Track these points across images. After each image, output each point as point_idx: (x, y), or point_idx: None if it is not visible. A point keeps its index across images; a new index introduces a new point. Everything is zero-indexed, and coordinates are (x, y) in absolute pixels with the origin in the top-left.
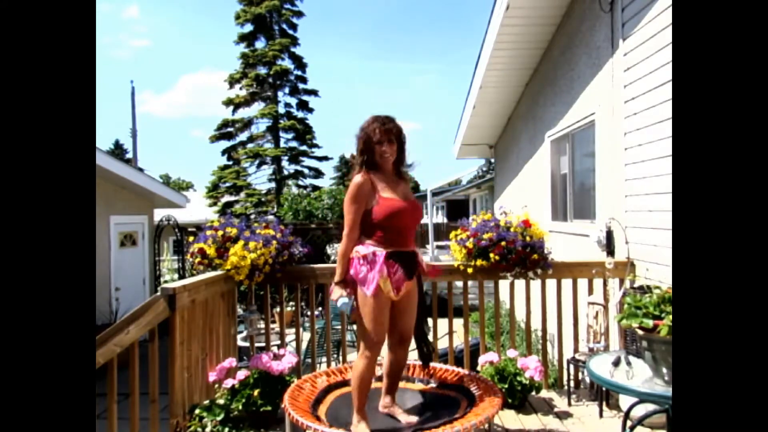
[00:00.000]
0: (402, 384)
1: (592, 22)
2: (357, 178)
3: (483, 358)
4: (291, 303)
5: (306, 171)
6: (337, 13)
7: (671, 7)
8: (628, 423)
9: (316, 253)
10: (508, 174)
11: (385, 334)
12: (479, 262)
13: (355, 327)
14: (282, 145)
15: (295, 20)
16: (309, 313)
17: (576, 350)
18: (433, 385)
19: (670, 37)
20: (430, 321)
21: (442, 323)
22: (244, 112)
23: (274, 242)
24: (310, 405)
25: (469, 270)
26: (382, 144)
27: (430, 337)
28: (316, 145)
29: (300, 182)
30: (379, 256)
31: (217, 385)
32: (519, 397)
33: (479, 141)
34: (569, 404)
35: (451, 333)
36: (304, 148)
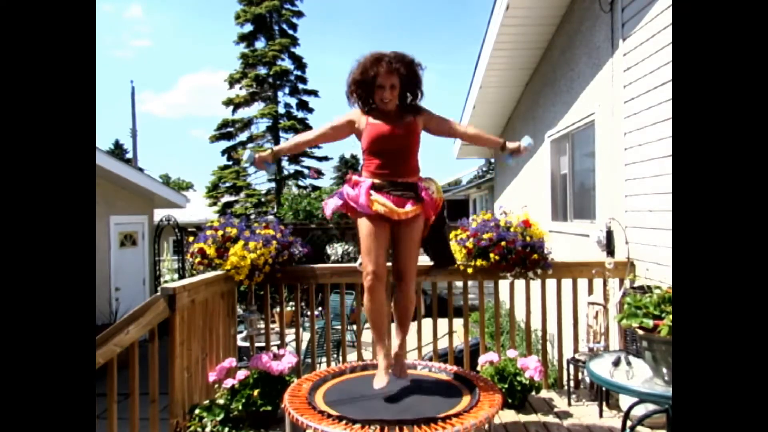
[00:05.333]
0: (423, 373)
1: (592, 22)
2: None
3: (483, 358)
4: (291, 303)
5: (306, 171)
6: (337, 13)
7: (671, 7)
8: (628, 423)
9: (316, 253)
10: (508, 174)
11: (377, 263)
12: (479, 262)
13: (354, 327)
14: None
15: (295, 20)
16: (309, 313)
17: (576, 350)
18: (435, 372)
19: (669, 37)
20: (429, 320)
21: (442, 323)
22: (244, 112)
23: (274, 242)
24: (307, 392)
25: (469, 270)
26: (383, 89)
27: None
28: (316, 146)
29: (300, 182)
30: (363, 183)
31: (217, 385)
32: (519, 397)
33: None
34: (569, 404)
35: (451, 333)
36: None
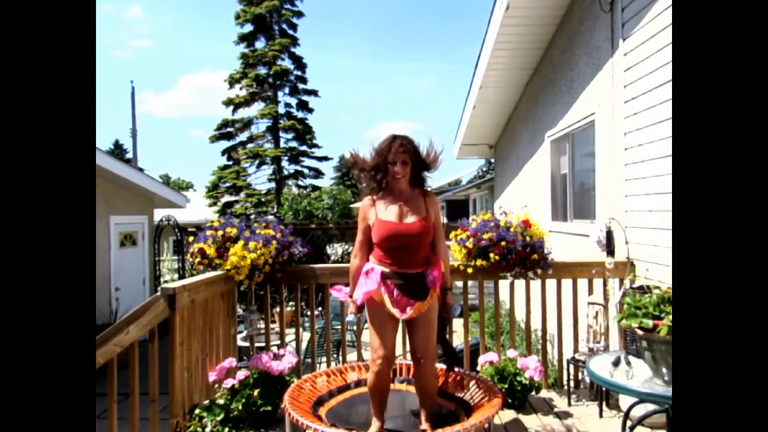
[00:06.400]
0: (404, 387)
1: (592, 22)
2: (363, 201)
3: (483, 358)
4: (291, 303)
5: (306, 171)
6: (337, 13)
7: (671, 7)
8: (628, 423)
9: (316, 253)
10: (508, 174)
11: (386, 347)
12: (479, 262)
13: (354, 327)
14: (282, 145)
15: (295, 20)
16: (309, 313)
17: (576, 350)
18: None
19: (670, 37)
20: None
21: None
22: (244, 112)
23: (274, 242)
24: (311, 405)
25: (469, 270)
26: (395, 164)
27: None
28: (316, 145)
29: (300, 182)
30: (375, 273)
31: (217, 385)
32: (519, 397)
33: (479, 141)
34: (569, 404)
35: (451, 333)
36: (304, 148)
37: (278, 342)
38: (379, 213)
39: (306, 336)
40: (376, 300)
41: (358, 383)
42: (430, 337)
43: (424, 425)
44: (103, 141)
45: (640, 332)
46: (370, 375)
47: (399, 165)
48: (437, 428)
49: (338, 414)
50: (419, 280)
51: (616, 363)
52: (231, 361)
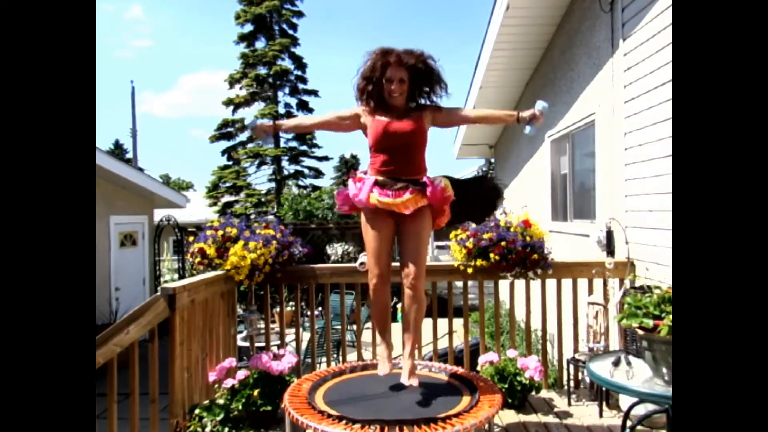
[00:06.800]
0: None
1: (592, 22)
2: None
3: (483, 358)
4: (291, 303)
5: (306, 171)
6: (337, 13)
7: (671, 7)
8: (628, 423)
9: (316, 253)
10: (508, 174)
11: (379, 266)
12: (479, 262)
13: (354, 327)
14: (282, 145)
15: (295, 20)
16: (309, 313)
17: (576, 350)
18: (435, 372)
19: (670, 37)
20: (429, 320)
21: (442, 323)
22: (244, 112)
23: (274, 242)
24: (307, 392)
25: (469, 270)
26: (391, 82)
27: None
28: (316, 145)
29: (300, 182)
30: (368, 178)
31: (216, 385)
32: (519, 397)
33: (479, 141)
34: (569, 404)
35: (451, 333)
36: (304, 148)
37: (278, 342)
38: (375, 116)
39: (306, 336)
40: (368, 205)
41: (354, 369)
42: (420, 251)
43: (409, 380)
44: (103, 141)
45: (640, 332)
46: (370, 291)
47: (396, 83)
48: (443, 402)
49: (334, 393)
50: (416, 184)
51: (616, 363)
52: (231, 361)
